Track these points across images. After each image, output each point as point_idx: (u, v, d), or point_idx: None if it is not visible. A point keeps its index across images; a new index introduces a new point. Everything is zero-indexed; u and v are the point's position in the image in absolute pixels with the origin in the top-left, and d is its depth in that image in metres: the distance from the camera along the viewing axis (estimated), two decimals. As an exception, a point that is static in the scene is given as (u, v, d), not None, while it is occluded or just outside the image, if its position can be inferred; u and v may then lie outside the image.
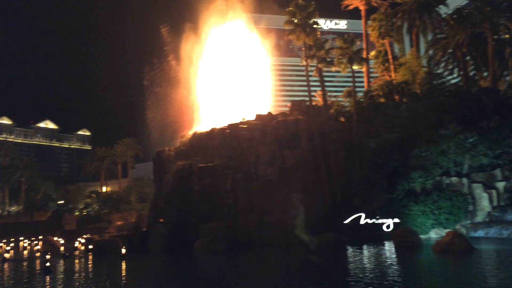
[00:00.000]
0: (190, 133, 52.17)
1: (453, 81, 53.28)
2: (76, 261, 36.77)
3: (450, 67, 52.26)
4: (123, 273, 28.92)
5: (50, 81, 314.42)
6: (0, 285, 25.27)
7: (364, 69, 57.23)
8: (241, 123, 48.92)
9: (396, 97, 46.63)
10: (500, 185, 36.10)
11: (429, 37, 55.58)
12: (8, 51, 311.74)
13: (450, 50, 50.61)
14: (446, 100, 44.51)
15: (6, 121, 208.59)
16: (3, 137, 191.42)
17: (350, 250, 30.86)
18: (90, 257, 39.05)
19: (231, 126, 48.17)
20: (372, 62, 61.37)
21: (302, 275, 24.12)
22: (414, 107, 43.68)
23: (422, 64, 53.74)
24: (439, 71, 52.79)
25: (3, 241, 52.19)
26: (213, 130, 49.18)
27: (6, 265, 35.62)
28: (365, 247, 31.58)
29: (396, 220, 35.94)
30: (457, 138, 36.81)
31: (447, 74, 52.92)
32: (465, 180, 36.89)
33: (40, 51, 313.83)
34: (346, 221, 37.32)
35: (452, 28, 49.61)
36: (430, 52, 54.04)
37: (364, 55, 51.09)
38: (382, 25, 55.48)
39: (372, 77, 61.47)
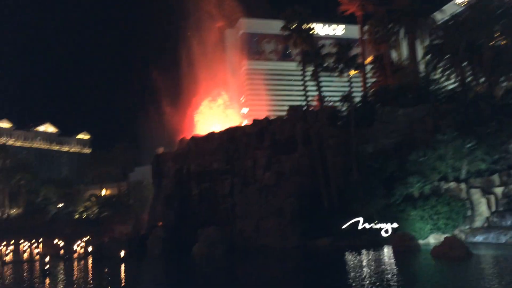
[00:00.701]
0: (189, 137, 52.52)
1: (450, 86, 53.54)
2: (76, 264, 37.03)
3: (447, 72, 52.55)
4: (122, 276, 29.15)
5: (50, 84, 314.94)
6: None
7: (361, 75, 57.55)
8: (239, 127, 49.25)
9: (393, 102, 46.88)
10: (498, 190, 36.08)
11: (426, 43, 55.94)
12: (8, 54, 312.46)
13: (447, 56, 50.95)
14: (443, 105, 44.79)
15: (5, 124, 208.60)
16: (3, 140, 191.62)
17: (348, 255, 31.05)
18: (90, 260, 39.32)
19: (228, 131, 48.50)
20: (369, 67, 61.74)
21: (299, 280, 24.36)
22: (411, 112, 43.89)
23: (418, 69, 54.07)
24: (436, 76, 53.11)
25: (3, 244, 52.41)
26: (211, 134, 49.50)
27: (6, 268, 35.84)
28: (363, 252, 31.75)
29: (395, 225, 36.02)
30: (455, 143, 36.93)
31: (444, 80, 53.19)
32: (463, 185, 36.95)
33: (40, 54, 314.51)
34: (344, 226, 37.53)
35: (448, 34, 49.99)
36: (427, 57, 54.37)
37: (360, 60, 51.42)
38: (378, 30, 55.81)
39: (370, 82, 61.81)
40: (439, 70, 52.93)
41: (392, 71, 54.78)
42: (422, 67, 57.01)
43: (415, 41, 54.64)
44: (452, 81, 53.73)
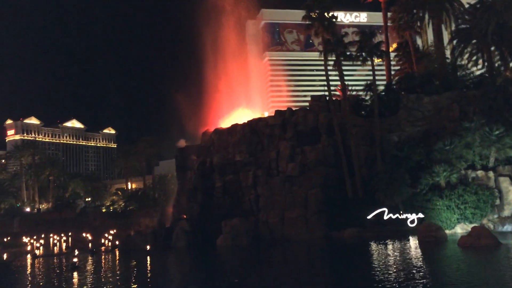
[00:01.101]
0: (211, 129, 52.67)
1: (478, 72, 51.99)
2: (103, 256, 37.75)
3: (474, 58, 50.98)
4: (148, 268, 29.55)
5: (75, 82, 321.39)
6: (31, 281, 26.16)
7: (385, 62, 56.43)
8: (261, 119, 49.07)
9: (419, 89, 45.84)
10: (528, 178, 35.22)
11: (452, 28, 54.32)
12: (35, 53, 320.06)
13: (474, 41, 49.41)
14: (470, 91, 43.59)
15: (34, 121, 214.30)
16: (32, 137, 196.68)
17: (373, 245, 30.68)
18: (117, 253, 40.01)
19: (251, 122, 48.39)
20: (393, 54, 60.45)
21: (326, 271, 24.19)
22: (437, 100, 42.87)
23: (445, 55, 52.61)
24: (462, 62, 51.63)
25: (34, 237, 53.89)
26: (233, 126, 49.49)
27: (37, 261, 36.81)
28: (389, 242, 31.33)
29: (420, 215, 35.57)
30: (482, 130, 36.04)
31: (471, 65, 51.64)
32: (491, 174, 36.13)
33: (66, 53, 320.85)
34: (369, 216, 37.16)
35: (475, 18, 48.42)
36: (454, 42, 52.83)
37: (384, 48, 50.37)
38: (403, 16, 54.45)
39: (394, 70, 60.57)
40: (466, 55, 51.44)
41: (417, 58, 53.43)
42: (448, 53, 55.48)
43: (441, 26, 53.08)
44: (480, 66, 52.16)
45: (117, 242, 43.92)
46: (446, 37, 57.22)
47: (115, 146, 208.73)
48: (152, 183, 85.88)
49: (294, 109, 49.25)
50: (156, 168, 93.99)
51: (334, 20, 45.54)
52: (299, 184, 41.66)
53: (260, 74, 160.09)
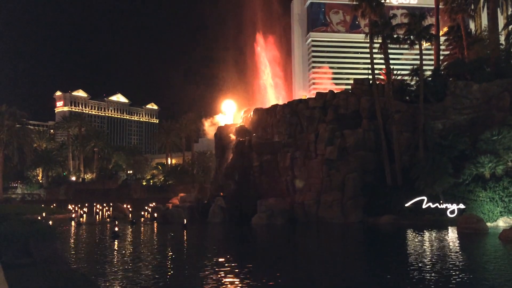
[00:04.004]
0: (252, 109, 52.83)
1: (534, 60, 49.02)
2: (142, 227, 39.10)
3: (531, 44, 48.09)
4: (185, 240, 30.41)
5: (122, 56, 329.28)
6: (75, 246, 27.52)
7: (434, 47, 54.29)
8: (302, 100, 48.63)
9: (468, 76, 43.94)
10: None
11: (509, 12, 51.38)
12: (85, 29, 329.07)
13: (532, 26, 46.62)
14: (523, 80, 41.34)
15: (81, 93, 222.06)
16: (79, 109, 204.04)
17: (410, 234, 30.19)
18: (155, 225, 41.34)
19: (291, 104, 48.09)
20: (443, 39, 58.05)
21: (358, 256, 24.08)
22: (487, 88, 40.99)
23: (499, 41, 50.01)
24: (518, 49, 48.84)
25: (78, 205, 56.38)
26: (273, 106, 49.42)
27: (81, 228, 38.64)
28: (426, 232, 30.73)
29: (461, 205, 34.64)
30: (534, 121, 34.39)
31: (527, 52, 48.78)
32: (540, 167, 34.63)
33: (114, 30, 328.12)
34: (407, 204, 36.54)
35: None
36: (509, 28, 50.03)
37: (434, 31, 48.42)
38: (456, -1, 51.91)
39: (443, 55, 58.21)
40: (522, 41, 48.60)
41: (469, 43, 51.00)
42: (502, 38, 52.69)
43: (496, 10, 50.32)
44: (537, 53, 49.14)
45: (155, 215, 45.28)
46: (501, 21, 54.30)
47: (157, 122, 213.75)
48: (191, 159, 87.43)
49: (335, 91, 48.50)
50: (196, 145, 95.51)
51: (382, 1, 44.15)
52: (337, 167, 41.30)
53: (303, 55, 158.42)
